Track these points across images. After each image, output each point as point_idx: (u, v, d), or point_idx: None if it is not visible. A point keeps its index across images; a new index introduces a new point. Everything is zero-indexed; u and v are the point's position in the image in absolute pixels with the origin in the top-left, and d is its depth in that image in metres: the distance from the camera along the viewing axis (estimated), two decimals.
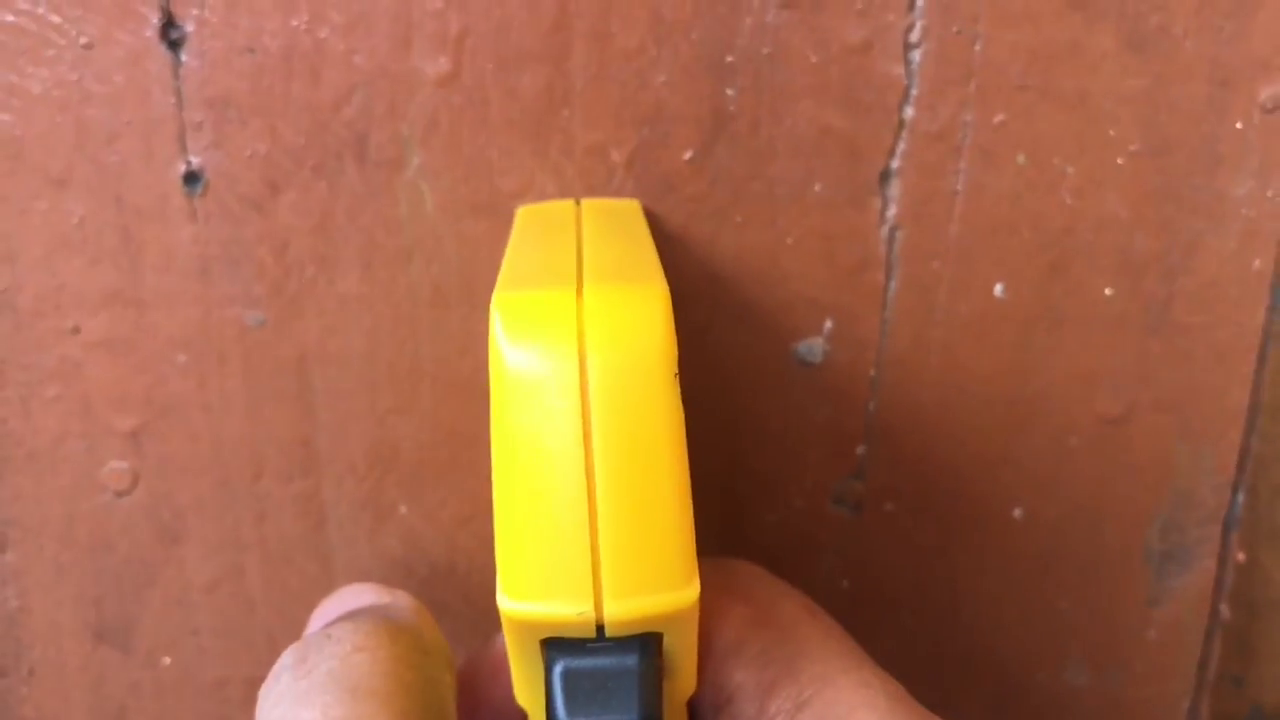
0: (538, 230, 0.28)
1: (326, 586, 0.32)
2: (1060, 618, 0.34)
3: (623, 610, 0.21)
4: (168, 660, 0.33)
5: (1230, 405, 0.33)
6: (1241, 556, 0.34)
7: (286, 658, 0.25)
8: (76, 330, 0.30)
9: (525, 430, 0.21)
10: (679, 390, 0.22)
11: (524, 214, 0.30)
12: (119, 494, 0.31)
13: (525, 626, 0.21)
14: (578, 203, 0.30)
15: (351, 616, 0.26)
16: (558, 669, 0.22)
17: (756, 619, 0.26)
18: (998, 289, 0.32)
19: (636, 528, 0.21)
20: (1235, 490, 0.34)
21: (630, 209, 0.30)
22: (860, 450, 0.33)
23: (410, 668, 0.25)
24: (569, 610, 0.21)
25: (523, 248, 0.26)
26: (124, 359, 0.30)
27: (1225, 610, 0.35)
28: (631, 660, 0.22)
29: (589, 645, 0.21)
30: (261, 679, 0.33)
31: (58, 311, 0.30)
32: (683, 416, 0.22)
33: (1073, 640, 0.35)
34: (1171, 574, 0.34)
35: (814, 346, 0.32)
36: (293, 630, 0.32)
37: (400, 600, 0.28)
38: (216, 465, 0.31)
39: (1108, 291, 0.32)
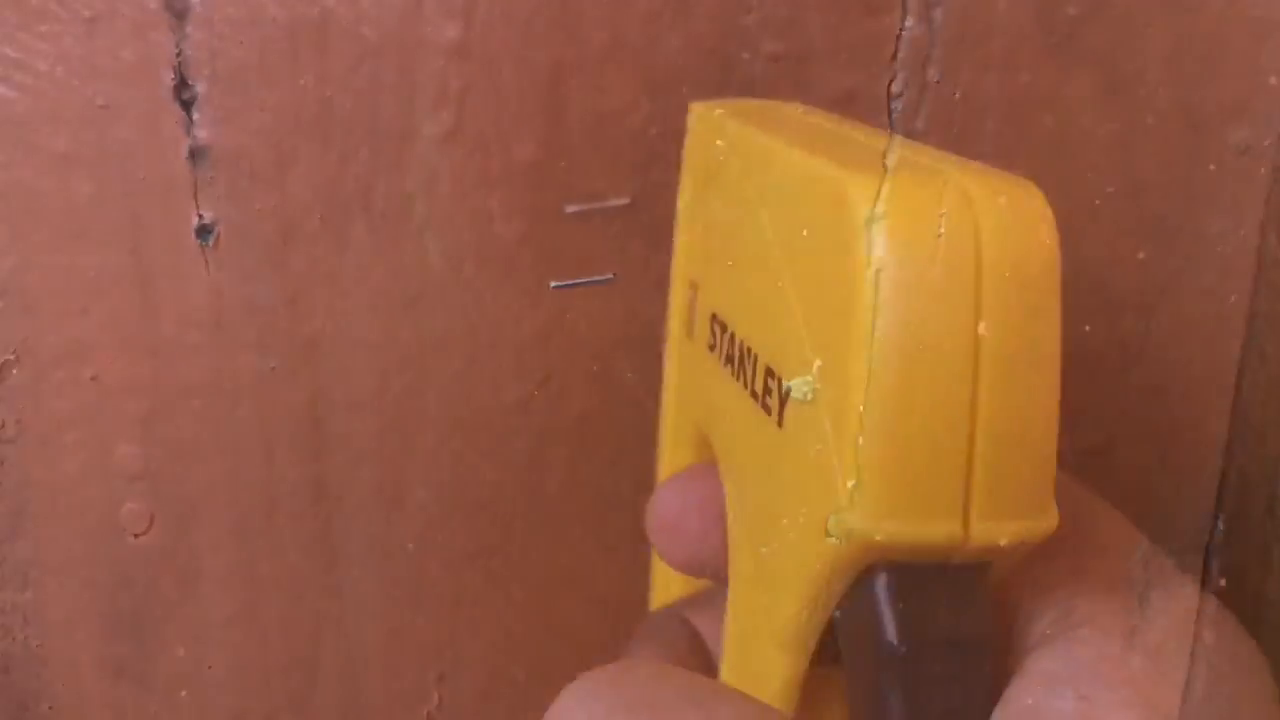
0: (778, 120, 0.25)
1: (338, 622, 0.33)
2: None
3: (987, 534, 0.19)
4: (185, 694, 0.34)
5: (1208, 436, 0.34)
6: (1223, 583, 0.35)
7: None
8: (94, 379, 0.31)
9: (910, 333, 0.18)
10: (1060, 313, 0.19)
11: (709, 113, 0.27)
12: (136, 535, 0.33)
13: (872, 550, 0.19)
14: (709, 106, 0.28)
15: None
16: (898, 596, 0.19)
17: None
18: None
19: (1013, 446, 0.19)
20: (1215, 519, 0.35)
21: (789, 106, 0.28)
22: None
23: None
24: (937, 531, 0.18)
25: (798, 134, 0.23)
26: (140, 404, 0.32)
27: (1209, 638, 0.35)
28: (975, 593, 0.20)
29: (928, 572, 0.19)
30: (276, 712, 0.34)
31: (76, 360, 0.31)
32: (1060, 341, 0.19)
33: None
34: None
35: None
36: (305, 665, 0.33)
37: None
38: (230, 506, 0.32)
39: (1086, 328, 0.33)
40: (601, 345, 0.32)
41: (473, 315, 0.32)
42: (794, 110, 0.27)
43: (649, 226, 0.31)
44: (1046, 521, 0.19)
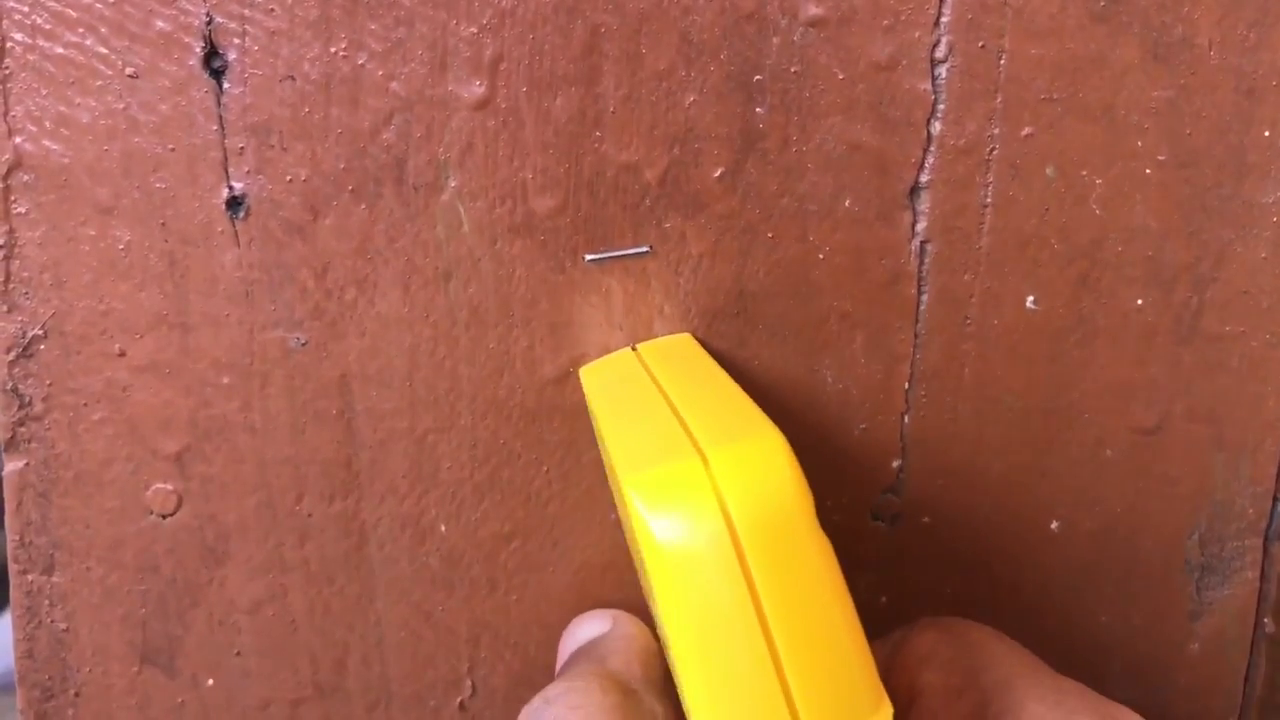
0: (616, 391, 0.29)
1: (368, 606, 0.33)
2: (1100, 631, 0.34)
3: None
4: (211, 682, 0.33)
5: (1266, 414, 0.33)
6: None
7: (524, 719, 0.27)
8: (122, 354, 0.31)
9: (694, 601, 0.22)
10: (820, 528, 0.22)
11: (589, 374, 0.31)
12: (164, 516, 0.32)
13: None
14: (634, 349, 0.31)
15: (566, 675, 0.28)
16: None
17: (945, 638, 0.29)
18: (1029, 301, 0.32)
19: (822, 670, 0.22)
20: (1275, 501, 0.34)
21: (685, 345, 0.31)
22: (896, 464, 0.33)
23: (620, 716, 0.26)
24: None
25: (613, 415, 0.27)
26: (169, 382, 0.31)
27: (1269, 624, 0.34)
28: None
29: None
30: (304, 700, 0.33)
31: (104, 336, 0.31)
32: (832, 549, 0.22)
33: (1113, 654, 0.34)
34: (1212, 586, 0.34)
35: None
36: (334, 653, 0.33)
37: (615, 629, 0.31)
38: (260, 486, 0.32)
39: (1139, 302, 0.32)
40: (638, 321, 0.31)
41: (506, 289, 0.31)
42: (659, 357, 0.30)
43: (687, 198, 0.31)
44: (881, 715, 0.22)
